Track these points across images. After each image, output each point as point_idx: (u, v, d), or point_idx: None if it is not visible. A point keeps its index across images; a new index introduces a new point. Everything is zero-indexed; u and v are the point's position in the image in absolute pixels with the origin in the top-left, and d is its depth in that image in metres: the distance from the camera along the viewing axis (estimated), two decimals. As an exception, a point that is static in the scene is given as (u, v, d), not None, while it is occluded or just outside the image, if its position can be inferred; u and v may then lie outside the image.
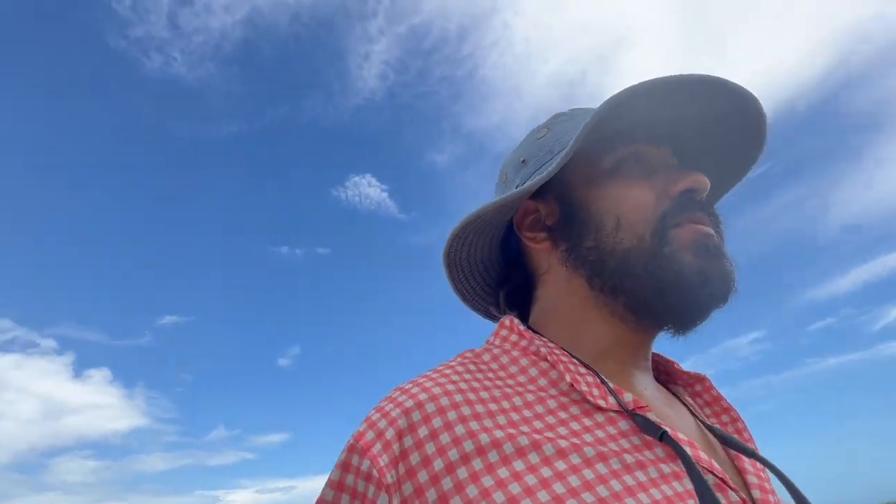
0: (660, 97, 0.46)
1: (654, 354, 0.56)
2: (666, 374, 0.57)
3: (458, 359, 0.48)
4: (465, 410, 0.39)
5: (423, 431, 0.37)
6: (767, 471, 0.45)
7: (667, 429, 0.38)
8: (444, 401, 0.39)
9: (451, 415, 0.38)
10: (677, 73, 0.44)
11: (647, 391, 0.48)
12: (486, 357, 0.48)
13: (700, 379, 0.55)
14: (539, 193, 0.54)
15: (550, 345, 0.48)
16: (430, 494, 0.35)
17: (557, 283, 0.53)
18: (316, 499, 0.39)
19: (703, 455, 0.38)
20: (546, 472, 0.35)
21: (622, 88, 0.44)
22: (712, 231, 0.47)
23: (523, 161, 0.56)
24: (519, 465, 0.35)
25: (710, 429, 0.47)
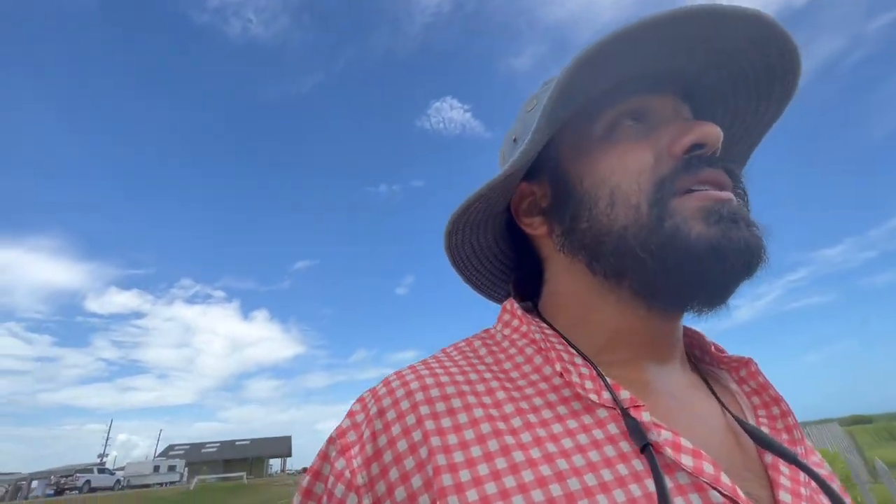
0: (653, 37, 0.38)
1: (694, 333, 0.51)
2: (708, 354, 0.50)
3: (456, 350, 0.46)
4: (440, 406, 0.37)
5: (396, 429, 0.37)
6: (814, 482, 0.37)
7: (666, 433, 0.34)
8: (419, 396, 0.38)
9: (424, 409, 0.37)
10: (672, 9, 0.35)
11: (661, 383, 0.42)
12: (483, 351, 0.45)
13: (745, 363, 0.47)
14: (532, 173, 0.49)
15: (548, 332, 0.44)
16: (400, 493, 0.34)
17: (559, 271, 0.48)
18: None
19: (707, 468, 0.33)
20: (509, 481, 0.32)
21: (603, 36, 0.37)
22: (728, 194, 0.39)
23: (515, 140, 0.51)
24: (483, 470, 0.33)
25: (745, 427, 0.40)
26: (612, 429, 0.35)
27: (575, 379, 0.38)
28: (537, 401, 0.38)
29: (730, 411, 0.42)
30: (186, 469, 37.68)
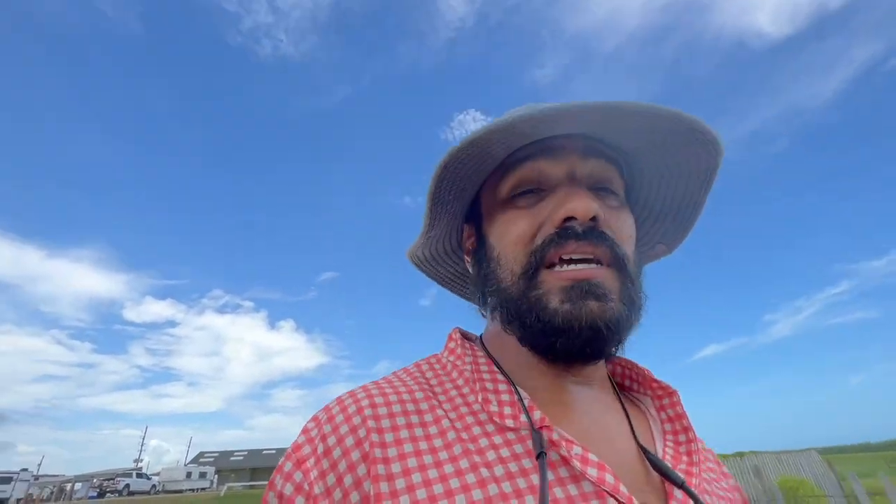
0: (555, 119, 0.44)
1: (624, 361, 0.57)
2: (637, 382, 0.57)
3: (406, 373, 0.51)
4: (385, 423, 0.42)
5: (349, 441, 0.41)
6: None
7: (577, 448, 0.40)
8: (369, 412, 0.43)
9: (372, 423, 0.42)
10: (577, 103, 0.42)
11: (579, 404, 0.48)
12: (430, 374, 0.51)
13: (669, 392, 0.53)
14: (471, 216, 0.58)
15: (480, 360, 0.50)
16: (354, 497, 0.38)
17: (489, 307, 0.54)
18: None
19: (608, 479, 0.39)
20: (438, 488, 0.38)
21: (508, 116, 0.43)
22: (588, 272, 0.44)
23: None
24: (416, 478, 0.39)
25: (645, 451, 0.46)
26: (518, 448, 0.41)
27: (493, 409, 0.44)
28: (469, 419, 0.44)
29: (634, 435, 0.48)
30: (216, 476, 39.41)
